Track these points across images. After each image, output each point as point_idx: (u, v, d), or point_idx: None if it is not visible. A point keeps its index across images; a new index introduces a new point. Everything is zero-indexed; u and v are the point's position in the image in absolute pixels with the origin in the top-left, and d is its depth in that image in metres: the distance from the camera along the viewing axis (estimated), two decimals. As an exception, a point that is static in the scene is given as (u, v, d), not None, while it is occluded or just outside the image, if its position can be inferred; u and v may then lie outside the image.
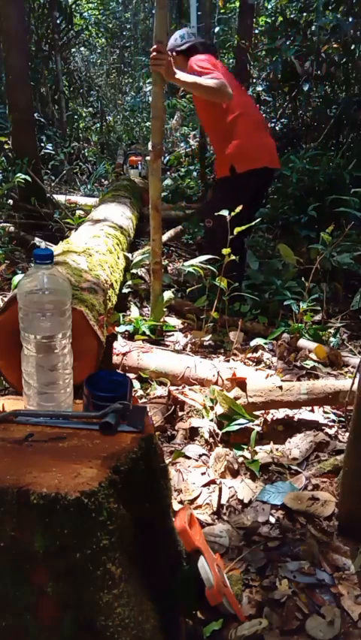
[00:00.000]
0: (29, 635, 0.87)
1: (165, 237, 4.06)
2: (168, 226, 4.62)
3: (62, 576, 0.85)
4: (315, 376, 2.34)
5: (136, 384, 2.19)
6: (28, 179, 3.98)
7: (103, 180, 7.12)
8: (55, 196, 4.83)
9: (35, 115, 5.27)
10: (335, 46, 5.31)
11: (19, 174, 3.93)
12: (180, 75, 2.51)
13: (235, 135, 2.84)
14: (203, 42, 2.96)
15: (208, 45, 2.94)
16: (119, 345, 2.30)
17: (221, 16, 8.48)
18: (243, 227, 2.62)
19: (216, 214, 2.63)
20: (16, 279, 2.69)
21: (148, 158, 2.61)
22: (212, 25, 7.64)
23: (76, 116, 8.73)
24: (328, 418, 2.05)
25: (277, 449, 1.90)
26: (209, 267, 2.63)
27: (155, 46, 2.38)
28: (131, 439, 1.00)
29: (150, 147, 2.58)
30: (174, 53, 2.79)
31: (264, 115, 6.67)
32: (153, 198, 2.62)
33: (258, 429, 1.95)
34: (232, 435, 1.90)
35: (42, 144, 6.05)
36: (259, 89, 6.74)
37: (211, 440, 1.89)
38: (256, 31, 7.11)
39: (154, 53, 2.40)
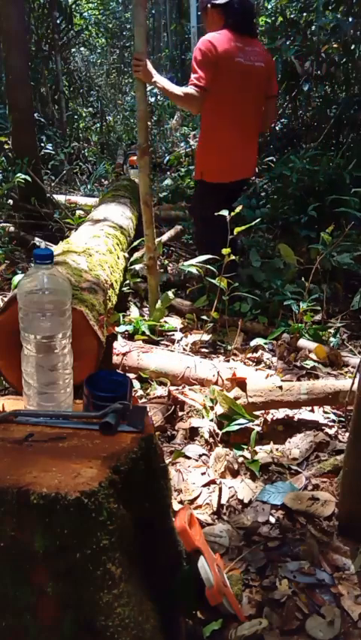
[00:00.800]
0: (29, 635, 0.87)
1: (164, 237, 4.07)
2: (168, 226, 4.62)
3: (62, 576, 0.85)
4: (315, 376, 2.34)
5: (136, 384, 2.19)
6: (28, 179, 3.98)
7: (103, 180, 7.12)
8: (55, 196, 4.83)
9: (35, 115, 5.27)
10: (335, 46, 5.31)
11: (19, 174, 3.93)
12: (157, 79, 2.56)
13: (214, 146, 2.82)
14: (239, 1, 2.67)
15: (245, 6, 2.68)
16: (119, 345, 2.30)
17: (221, 16, 8.47)
18: (243, 228, 2.67)
19: (196, 219, 2.92)
20: (16, 279, 2.69)
21: (135, 157, 2.73)
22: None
23: (76, 116, 8.73)
24: (328, 418, 2.05)
25: (277, 449, 1.90)
26: (208, 266, 2.64)
27: (135, 55, 2.51)
28: (131, 439, 1.00)
29: (138, 144, 2.66)
30: (209, 6, 2.71)
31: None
32: (143, 194, 2.70)
33: (258, 429, 1.95)
34: (232, 435, 1.90)
35: (42, 144, 6.05)
36: (259, 88, 6.73)
37: (211, 440, 1.89)
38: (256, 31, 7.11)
39: (135, 61, 2.50)
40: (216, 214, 2.56)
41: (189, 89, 2.60)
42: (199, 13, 5.99)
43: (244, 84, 2.67)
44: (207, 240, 2.77)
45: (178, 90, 2.64)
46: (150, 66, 2.51)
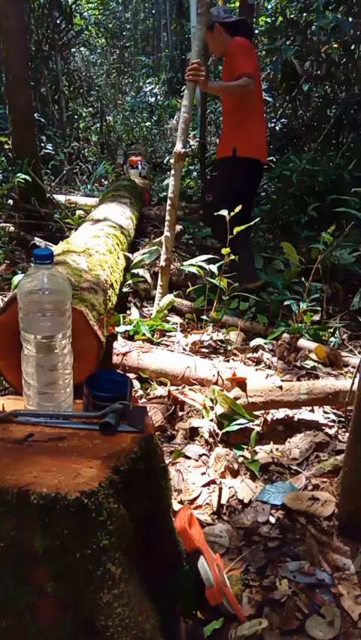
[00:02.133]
0: (29, 635, 0.87)
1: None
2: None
3: (62, 576, 0.85)
4: (315, 376, 2.35)
5: (136, 384, 2.19)
6: (28, 179, 3.98)
7: (103, 180, 7.12)
8: (55, 196, 4.83)
9: (35, 115, 5.26)
10: (335, 46, 5.31)
11: (19, 174, 3.93)
12: (212, 85, 3.00)
13: (247, 122, 3.16)
14: (245, 19, 3.35)
15: (249, 25, 3.29)
16: (119, 345, 2.30)
17: (221, 16, 8.47)
18: (242, 227, 2.69)
19: (216, 190, 3.16)
20: (16, 279, 2.69)
21: (172, 160, 2.88)
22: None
23: (76, 116, 8.73)
24: (328, 418, 2.05)
25: (277, 449, 1.90)
26: (205, 266, 2.64)
27: (195, 61, 2.81)
28: (131, 439, 1.00)
29: (176, 149, 2.84)
30: (217, 24, 3.14)
31: (264, 115, 6.68)
32: (173, 196, 2.90)
33: (258, 429, 1.95)
34: (232, 435, 1.90)
35: (42, 144, 6.05)
36: (259, 88, 6.74)
37: (211, 440, 1.89)
38: (256, 31, 7.12)
39: (191, 67, 2.81)
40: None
41: (245, 78, 2.97)
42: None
43: (259, 76, 3.26)
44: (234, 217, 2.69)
45: (234, 84, 3.01)
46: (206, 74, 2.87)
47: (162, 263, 2.90)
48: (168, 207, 2.91)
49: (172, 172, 2.88)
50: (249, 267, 3.10)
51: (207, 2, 2.84)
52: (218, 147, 3.38)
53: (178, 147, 2.84)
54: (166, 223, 2.91)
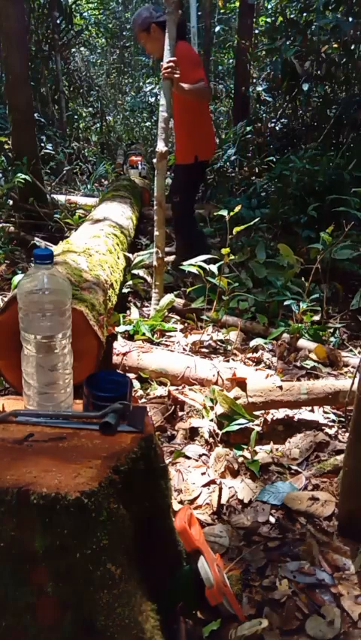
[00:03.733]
0: (29, 635, 0.87)
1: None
2: (168, 226, 4.61)
3: (62, 576, 0.85)
4: (315, 376, 2.34)
5: (136, 384, 2.19)
6: (28, 179, 3.97)
7: (103, 180, 7.12)
8: (55, 196, 4.83)
9: (35, 115, 5.26)
10: (335, 46, 5.31)
11: (19, 174, 3.93)
12: (181, 85, 2.93)
13: (203, 127, 3.35)
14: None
15: (183, 23, 3.27)
16: (119, 345, 2.30)
17: (221, 16, 8.48)
18: (242, 227, 2.72)
19: (183, 192, 3.44)
20: (16, 279, 2.69)
21: (155, 160, 2.91)
22: (212, 25, 7.65)
23: (76, 116, 8.72)
24: (328, 418, 2.05)
25: (277, 449, 1.90)
26: (205, 266, 2.64)
27: (171, 59, 2.81)
28: (131, 439, 1.01)
29: (158, 148, 2.88)
30: (153, 24, 3.16)
31: (263, 115, 6.68)
32: (158, 195, 2.95)
33: (258, 429, 1.95)
34: (232, 435, 1.90)
35: (42, 144, 6.05)
36: (259, 89, 6.75)
37: (211, 440, 1.89)
38: (256, 31, 7.12)
39: (166, 64, 2.81)
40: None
41: (202, 84, 3.07)
42: (199, 13, 5.99)
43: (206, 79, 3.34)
44: (190, 217, 3.51)
45: (201, 88, 3.07)
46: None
47: (155, 263, 2.91)
48: (155, 207, 2.96)
49: (156, 172, 2.94)
50: (186, 254, 3.10)
51: (174, 1, 2.78)
52: (177, 152, 3.47)
53: (160, 146, 2.87)
54: (155, 222, 2.95)
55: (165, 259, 3.76)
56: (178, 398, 2.06)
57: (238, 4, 7.26)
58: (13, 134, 4.45)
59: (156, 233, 2.94)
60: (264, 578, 1.36)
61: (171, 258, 3.71)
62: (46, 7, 7.41)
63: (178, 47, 3.00)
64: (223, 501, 1.63)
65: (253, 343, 2.52)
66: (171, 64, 2.81)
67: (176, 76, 2.82)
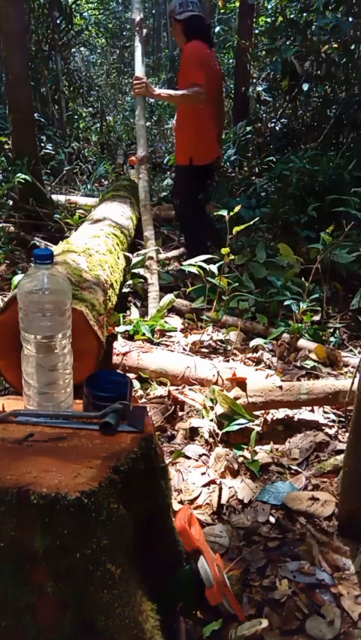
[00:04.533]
0: (29, 635, 0.87)
1: (170, 254, 4.05)
2: (169, 226, 4.62)
3: (62, 576, 0.85)
4: (315, 376, 2.34)
5: (136, 384, 2.19)
6: (28, 179, 3.97)
7: (103, 180, 7.12)
8: (55, 196, 4.82)
9: (35, 115, 5.26)
10: (335, 46, 5.31)
11: (19, 174, 3.93)
12: (159, 92, 3.10)
13: (201, 131, 3.33)
14: (198, 16, 3.26)
15: (203, 22, 3.31)
16: (119, 345, 2.30)
17: (221, 16, 8.49)
18: (241, 227, 2.72)
19: (181, 194, 3.62)
20: (16, 279, 2.69)
21: (135, 157, 3.18)
22: (212, 25, 7.64)
23: (76, 116, 8.72)
24: (328, 418, 2.05)
25: (277, 449, 1.90)
26: (205, 266, 2.64)
27: (136, 76, 2.96)
28: (131, 439, 1.01)
29: (137, 154, 3.11)
30: (172, 19, 3.29)
31: (263, 115, 6.68)
32: (142, 199, 3.12)
33: (258, 429, 1.95)
34: (232, 435, 1.90)
35: (42, 144, 6.05)
36: (259, 89, 6.75)
37: (211, 440, 1.89)
38: (256, 31, 7.12)
39: (135, 82, 2.96)
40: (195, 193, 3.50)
41: (196, 88, 3.03)
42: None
43: (218, 83, 3.47)
44: (192, 219, 3.54)
45: (181, 92, 3.12)
46: (149, 84, 2.99)
47: (147, 262, 3.00)
48: (141, 208, 3.10)
49: (140, 175, 3.13)
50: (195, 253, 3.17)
51: (138, 23, 2.93)
52: (176, 152, 3.62)
53: (139, 152, 3.10)
54: (142, 223, 3.10)
55: (165, 256, 3.78)
56: (178, 398, 2.06)
57: (238, 4, 7.26)
58: (13, 134, 4.45)
59: (145, 234, 3.05)
60: (264, 578, 1.36)
61: (170, 254, 3.73)
62: (46, 7, 7.41)
63: (187, 47, 3.15)
64: (223, 501, 1.63)
65: (253, 343, 2.52)
66: (136, 81, 2.95)
67: (143, 90, 2.95)
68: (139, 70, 2.98)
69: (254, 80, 7.19)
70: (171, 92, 3.26)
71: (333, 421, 2.03)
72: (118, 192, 4.28)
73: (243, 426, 1.89)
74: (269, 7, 7.54)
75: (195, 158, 3.36)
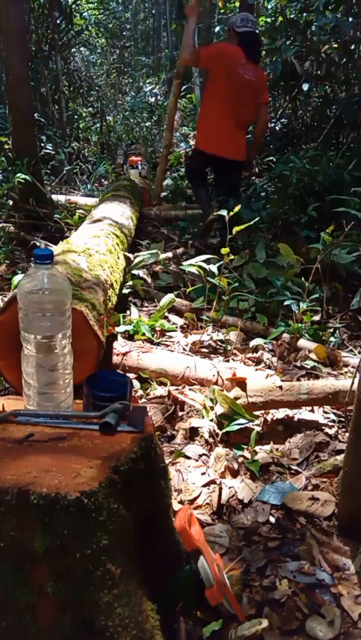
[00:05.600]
0: (29, 635, 0.87)
1: (164, 256, 4.05)
2: (169, 226, 4.62)
3: (62, 576, 0.85)
4: (315, 376, 2.34)
5: (136, 384, 2.18)
6: (28, 179, 3.97)
7: (103, 180, 7.11)
8: (55, 196, 4.82)
9: (35, 115, 5.26)
10: (335, 46, 5.31)
11: (19, 174, 3.93)
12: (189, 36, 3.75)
13: (203, 122, 3.92)
14: (253, 32, 3.82)
15: (254, 37, 3.86)
16: (119, 345, 2.30)
17: (221, 16, 8.49)
18: (241, 227, 2.73)
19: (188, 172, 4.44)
20: (16, 279, 2.69)
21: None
22: (212, 25, 7.65)
23: (76, 116, 8.71)
24: (328, 418, 2.05)
25: (277, 449, 1.90)
26: (205, 266, 2.64)
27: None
28: (131, 439, 1.01)
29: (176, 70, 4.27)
30: (230, 30, 3.82)
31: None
32: (170, 116, 4.56)
33: (258, 429, 1.95)
34: (232, 435, 1.90)
35: (42, 144, 6.05)
36: (259, 88, 6.74)
37: (211, 440, 1.89)
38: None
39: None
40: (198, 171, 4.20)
41: (193, 51, 3.71)
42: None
43: (239, 90, 3.68)
44: (194, 177, 4.27)
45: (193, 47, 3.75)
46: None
47: (163, 152, 3.68)
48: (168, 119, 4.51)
49: (171, 92, 3.92)
50: (201, 206, 4.06)
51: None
52: None
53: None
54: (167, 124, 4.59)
55: (165, 256, 3.78)
56: (178, 398, 2.06)
57: (238, 4, 7.26)
58: (13, 134, 4.45)
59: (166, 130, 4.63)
60: (264, 578, 1.36)
61: (170, 254, 3.74)
62: (46, 7, 7.40)
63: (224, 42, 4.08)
64: (223, 501, 1.63)
65: (253, 343, 2.52)
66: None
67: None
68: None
69: (254, 80, 7.17)
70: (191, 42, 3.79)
71: (333, 421, 2.03)
72: (118, 192, 4.28)
73: (243, 426, 1.89)
74: (269, 7, 7.54)
75: (198, 143, 4.04)
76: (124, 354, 2.25)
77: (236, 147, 3.91)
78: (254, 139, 4.20)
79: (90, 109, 9.84)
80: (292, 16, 5.97)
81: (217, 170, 4.21)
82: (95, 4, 11.05)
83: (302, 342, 2.58)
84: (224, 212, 2.70)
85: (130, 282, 3.05)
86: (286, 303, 2.84)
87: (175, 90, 4.43)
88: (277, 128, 6.57)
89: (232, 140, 3.86)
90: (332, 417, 2.05)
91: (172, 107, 4.61)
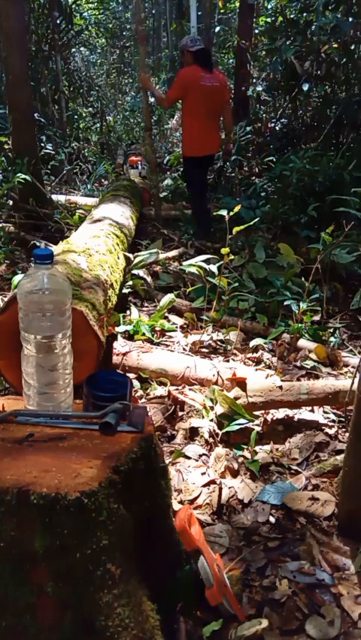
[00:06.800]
0: (29, 635, 0.87)
1: (172, 253, 4.05)
2: (169, 225, 4.62)
3: (62, 576, 0.85)
4: (315, 376, 2.34)
5: (136, 384, 2.18)
6: (28, 179, 3.97)
7: (103, 180, 7.11)
8: (55, 196, 4.82)
9: (35, 115, 5.26)
10: (335, 46, 5.31)
11: (19, 174, 3.93)
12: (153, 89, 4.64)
13: (187, 131, 4.27)
14: (204, 48, 4.27)
15: (207, 53, 4.32)
16: (119, 345, 2.30)
17: (221, 16, 8.49)
18: (242, 227, 2.72)
19: (189, 184, 4.62)
20: (16, 279, 2.69)
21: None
22: (212, 25, 7.65)
23: (76, 116, 8.71)
24: (328, 418, 2.05)
25: (277, 449, 1.90)
26: (205, 266, 2.64)
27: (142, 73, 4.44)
28: (131, 439, 1.00)
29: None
30: (185, 51, 4.20)
31: (263, 115, 6.68)
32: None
33: (258, 429, 1.95)
34: (232, 435, 1.90)
35: (42, 144, 6.04)
36: (259, 88, 6.75)
37: (211, 440, 1.89)
38: (256, 31, 7.12)
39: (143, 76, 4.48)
40: (196, 177, 4.40)
41: (164, 97, 4.41)
42: (199, 13, 6.01)
43: (207, 98, 4.12)
44: (193, 190, 4.51)
45: (160, 94, 4.58)
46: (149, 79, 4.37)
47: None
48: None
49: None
50: (200, 224, 4.34)
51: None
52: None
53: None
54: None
55: (165, 256, 3.77)
56: (178, 398, 2.06)
57: (238, 4, 7.27)
58: (13, 134, 4.45)
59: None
60: (264, 578, 1.36)
61: (170, 254, 3.74)
62: (46, 7, 7.40)
63: (182, 69, 4.22)
64: (223, 501, 1.63)
65: (253, 343, 2.52)
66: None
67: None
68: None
69: (254, 80, 7.19)
70: (158, 92, 4.69)
71: (333, 421, 2.03)
72: (118, 192, 4.28)
73: (243, 426, 1.89)
74: (269, 7, 7.54)
75: (183, 150, 4.42)
76: (124, 354, 2.25)
77: (218, 141, 4.50)
78: (226, 135, 4.71)
79: (90, 109, 9.84)
80: (292, 16, 5.97)
81: (206, 166, 4.71)
82: (95, 4, 11.05)
83: (302, 342, 2.58)
84: (224, 212, 2.70)
85: (130, 282, 3.05)
86: (286, 303, 2.84)
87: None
88: (277, 128, 6.57)
89: (216, 137, 4.39)
90: (332, 417, 2.05)
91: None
